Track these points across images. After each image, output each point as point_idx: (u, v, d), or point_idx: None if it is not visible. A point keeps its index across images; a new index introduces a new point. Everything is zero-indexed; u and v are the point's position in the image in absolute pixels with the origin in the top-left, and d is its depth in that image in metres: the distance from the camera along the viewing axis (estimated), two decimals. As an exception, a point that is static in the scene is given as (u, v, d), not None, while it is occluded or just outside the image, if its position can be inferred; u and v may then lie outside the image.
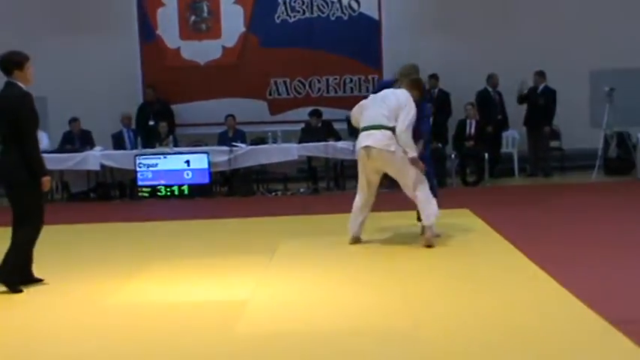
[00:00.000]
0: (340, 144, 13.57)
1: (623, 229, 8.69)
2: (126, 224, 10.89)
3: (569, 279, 6.09)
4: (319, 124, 14.46)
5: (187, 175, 13.65)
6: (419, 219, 8.42)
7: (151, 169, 13.64)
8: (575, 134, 15.36)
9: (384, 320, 5.38)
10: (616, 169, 14.57)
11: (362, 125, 8.01)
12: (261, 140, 14.25)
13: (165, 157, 13.72)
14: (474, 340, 4.84)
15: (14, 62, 6.68)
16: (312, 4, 16.15)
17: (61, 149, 14.20)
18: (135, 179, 13.75)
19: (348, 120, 14.48)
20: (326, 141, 13.65)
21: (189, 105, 16.21)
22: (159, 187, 13.63)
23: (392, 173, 8.05)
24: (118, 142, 14.61)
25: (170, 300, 6.27)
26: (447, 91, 15.48)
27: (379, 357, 4.63)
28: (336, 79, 16.24)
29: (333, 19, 16.18)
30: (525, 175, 15.18)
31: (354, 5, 16.13)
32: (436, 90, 15.51)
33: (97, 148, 14.10)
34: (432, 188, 8.19)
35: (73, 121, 14.67)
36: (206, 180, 13.66)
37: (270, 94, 16.33)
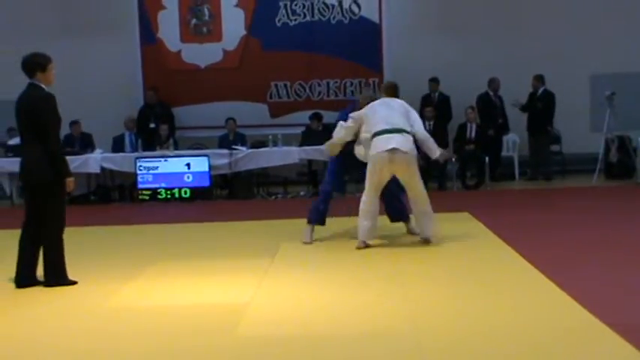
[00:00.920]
0: (341, 147, 13.54)
1: (624, 234, 8.69)
2: (126, 227, 10.90)
3: (569, 283, 6.09)
4: (320, 128, 14.45)
5: (188, 178, 13.65)
6: (409, 231, 8.74)
7: (151, 171, 13.65)
8: (575, 138, 15.36)
9: (384, 323, 5.38)
10: (617, 174, 14.56)
11: (378, 129, 7.99)
12: (261, 143, 14.25)
13: (165, 160, 13.72)
14: (473, 343, 4.83)
15: (38, 64, 6.79)
16: (312, 7, 16.15)
17: (61, 152, 14.17)
18: (135, 182, 13.75)
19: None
20: (326, 144, 13.63)
21: (190, 108, 16.20)
22: (159, 190, 13.64)
23: (406, 178, 8.07)
24: (118, 145, 14.60)
25: (170, 303, 6.27)
26: (447, 95, 15.49)
27: (379, 360, 4.63)
28: (336, 82, 16.23)
29: (333, 22, 16.17)
30: (526, 178, 15.18)
31: (355, 9, 16.12)
32: (436, 93, 15.53)
33: (98, 151, 14.10)
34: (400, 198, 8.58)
35: (74, 123, 14.66)
36: (206, 183, 13.66)
37: (270, 98, 16.32)
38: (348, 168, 8.92)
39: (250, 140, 14.59)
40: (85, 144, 14.41)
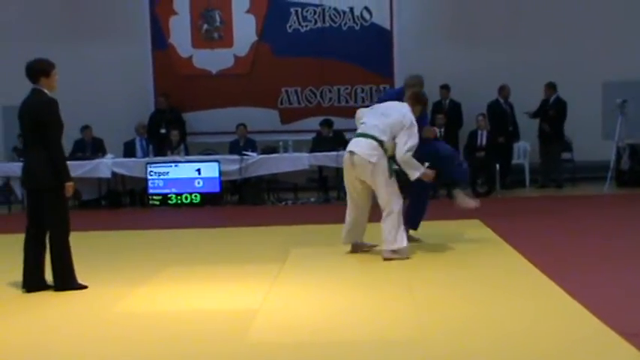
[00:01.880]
0: (351, 154, 13.54)
1: (635, 241, 8.64)
2: (136, 232, 10.91)
3: (579, 290, 6.06)
4: (330, 134, 14.46)
5: (198, 183, 13.67)
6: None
7: (162, 177, 13.68)
8: (587, 146, 15.31)
9: (394, 330, 5.36)
10: (628, 181, 14.52)
11: (357, 130, 8.06)
12: (272, 149, 14.27)
13: (176, 166, 13.75)
14: (483, 350, 4.81)
15: (41, 70, 6.83)
16: (324, 13, 16.16)
17: (72, 157, 14.22)
18: (146, 187, 13.78)
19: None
20: (337, 151, 13.61)
21: (201, 113, 16.24)
22: (170, 196, 13.66)
23: (370, 184, 7.98)
24: (129, 150, 14.64)
25: (179, 308, 6.26)
26: (458, 102, 15.48)
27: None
28: (347, 88, 16.24)
29: (344, 28, 16.18)
30: (537, 186, 15.14)
31: (366, 15, 16.13)
32: (447, 100, 15.52)
33: (109, 156, 14.14)
34: (423, 201, 8.26)
35: (85, 128, 14.72)
36: (217, 189, 13.68)
37: (281, 104, 16.34)
38: None
39: (261, 146, 14.61)
40: (96, 149, 14.46)
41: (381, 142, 7.79)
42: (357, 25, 16.18)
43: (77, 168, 13.70)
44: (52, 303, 6.55)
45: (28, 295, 6.82)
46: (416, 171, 7.83)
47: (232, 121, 15.27)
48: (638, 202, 12.86)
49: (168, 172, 13.69)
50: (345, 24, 16.19)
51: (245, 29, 16.23)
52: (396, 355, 4.81)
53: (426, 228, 8.97)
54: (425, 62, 15.76)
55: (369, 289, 6.71)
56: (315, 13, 16.18)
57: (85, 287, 6.87)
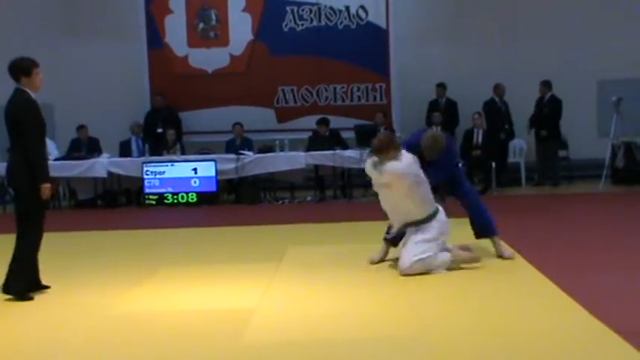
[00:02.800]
0: (347, 152, 13.57)
1: (632, 239, 8.65)
2: (133, 232, 10.90)
3: (576, 288, 6.08)
4: (327, 133, 14.45)
5: (194, 182, 13.66)
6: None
7: (158, 176, 13.66)
8: (582, 144, 15.35)
9: (392, 328, 5.37)
10: (623, 179, 14.53)
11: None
12: (268, 148, 14.26)
13: (172, 165, 13.74)
14: (481, 347, 4.82)
15: (21, 68, 6.66)
16: (319, 12, 16.15)
17: (68, 156, 14.23)
18: (142, 187, 13.77)
19: (356, 129, 14.59)
20: (333, 149, 13.65)
21: (197, 113, 16.22)
22: (166, 195, 13.65)
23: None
24: (125, 150, 14.63)
25: (177, 308, 6.27)
26: (454, 101, 15.50)
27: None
28: (343, 87, 16.24)
29: (340, 27, 16.17)
30: (532, 184, 15.16)
31: (362, 14, 16.13)
32: (443, 99, 15.54)
33: (105, 156, 14.12)
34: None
35: (81, 128, 14.71)
36: (213, 188, 13.67)
37: (277, 102, 16.33)
38: None
39: (257, 145, 14.60)
40: (92, 148, 14.43)
41: (422, 217, 7.20)
42: (352, 23, 16.18)
43: (73, 168, 13.77)
44: (48, 303, 6.54)
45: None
46: None
47: (228, 120, 15.25)
48: (634, 199, 12.88)
49: (164, 172, 13.68)
50: (341, 23, 16.19)
51: (241, 28, 16.22)
52: (395, 354, 4.82)
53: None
54: (421, 60, 15.86)
55: (367, 287, 6.71)
56: (311, 11, 16.17)
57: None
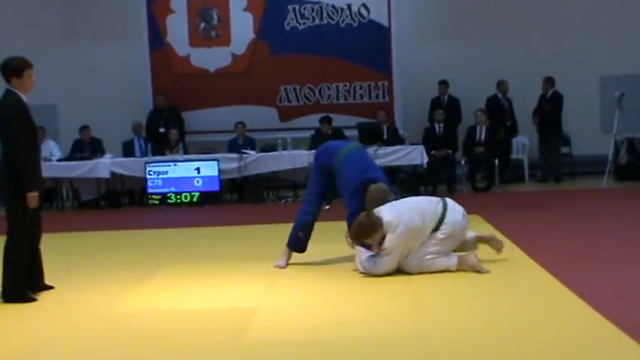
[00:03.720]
0: (350, 151, 13.54)
1: (634, 235, 8.65)
2: (136, 232, 10.91)
3: (579, 284, 6.07)
4: (329, 131, 14.44)
5: (197, 182, 13.66)
6: None
7: (161, 176, 13.67)
8: (585, 140, 15.33)
9: (394, 326, 5.36)
10: (626, 175, 14.51)
11: None
12: (271, 147, 14.26)
13: (175, 165, 13.74)
14: (482, 344, 4.81)
15: (12, 69, 6.42)
16: (321, 10, 16.13)
17: (71, 157, 14.25)
18: (145, 187, 13.78)
19: (358, 127, 14.57)
20: (336, 148, 13.62)
21: (199, 112, 16.21)
22: (169, 195, 13.66)
23: None
24: (128, 150, 14.63)
25: (179, 307, 6.27)
26: (457, 98, 15.49)
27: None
28: (345, 85, 16.21)
29: (342, 25, 16.15)
30: (536, 181, 15.14)
31: (364, 12, 16.11)
32: (446, 96, 15.53)
33: (107, 156, 14.14)
34: None
35: (84, 128, 14.71)
36: (216, 187, 13.67)
37: (280, 101, 16.32)
38: None
39: (260, 144, 14.60)
40: (95, 149, 14.44)
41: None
42: (355, 22, 16.15)
43: (76, 168, 13.80)
44: (50, 303, 6.55)
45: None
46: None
47: (231, 119, 15.24)
48: (636, 195, 12.86)
49: (167, 172, 13.69)
50: (343, 21, 16.16)
51: (243, 27, 16.20)
52: (397, 351, 4.81)
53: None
54: (423, 58, 15.84)
55: (369, 285, 6.71)
56: (312, 10, 16.15)
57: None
